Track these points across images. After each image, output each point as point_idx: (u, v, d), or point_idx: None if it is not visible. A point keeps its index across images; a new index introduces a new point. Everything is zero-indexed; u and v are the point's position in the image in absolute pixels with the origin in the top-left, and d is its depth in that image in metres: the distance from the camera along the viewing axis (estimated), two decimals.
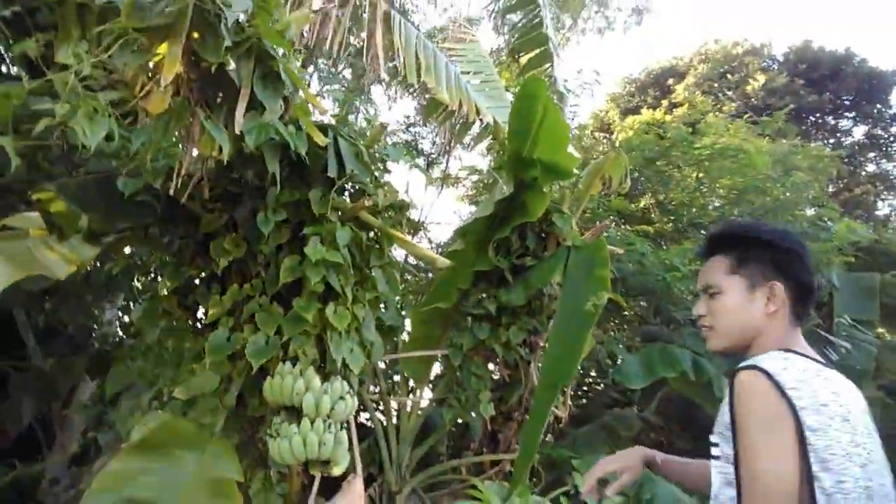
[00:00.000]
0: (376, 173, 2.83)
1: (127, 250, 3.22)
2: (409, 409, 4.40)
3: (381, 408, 4.68)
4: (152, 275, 3.29)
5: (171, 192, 2.10)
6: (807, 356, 1.35)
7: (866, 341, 5.56)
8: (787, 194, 5.91)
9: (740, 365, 1.30)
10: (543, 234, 3.77)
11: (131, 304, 4.59)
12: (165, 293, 2.74)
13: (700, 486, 1.59)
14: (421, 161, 9.87)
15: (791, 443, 1.19)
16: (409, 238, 2.65)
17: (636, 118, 11.11)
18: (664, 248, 5.09)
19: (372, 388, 4.65)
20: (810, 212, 6.50)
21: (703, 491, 1.49)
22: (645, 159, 6.30)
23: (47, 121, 1.49)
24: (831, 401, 1.26)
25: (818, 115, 15.22)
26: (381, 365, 4.78)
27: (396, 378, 5.05)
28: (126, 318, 4.74)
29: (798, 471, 1.19)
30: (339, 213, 2.59)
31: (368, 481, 4.32)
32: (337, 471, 2.50)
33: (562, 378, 2.96)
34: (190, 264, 2.69)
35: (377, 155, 2.78)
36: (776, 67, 15.91)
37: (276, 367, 2.46)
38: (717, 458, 1.33)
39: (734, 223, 1.58)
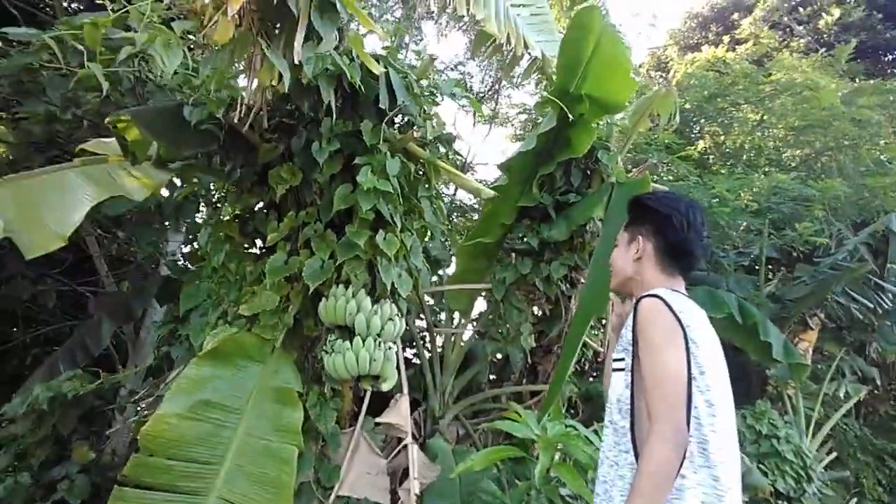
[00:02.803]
0: (425, 106, 2.89)
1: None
2: (452, 340, 4.60)
3: (426, 340, 4.90)
4: (216, 205, 3.50)
5: (235, 120, 2.23)
6: (685, 296, 1.65)
7: None
8: (850, 132, 5.63)
9: (641, 295, 1.60)
10: (588, 171, 3.78)
11: (194, 236, 4.88)
12: (228, 219, 2.93)
13: None
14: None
15: (682, 350, 1.48)
16: (455, 170, 2.73)
17: (696, 56, 10.61)
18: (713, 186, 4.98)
19: (418, 322, 4.87)
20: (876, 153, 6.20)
21: None
22: (704, 97, 6.08)
23: (129, 49, 1.62)
24: (704, 326, 1.58)
25: (895, 52, 14.10)
26: (428, 300, 4.98)
27: (442, 315, 5.25)
28: (186, 249, 5.05)
29: (686, 371, 1.46)
30: (390, 144, 2.68)
31: (413, 406, 4.60)
32: (386, 386, 2.70)
33: (596, 309, 3.04)
34: (250, 192, 2.86)
35: (427, 87, 2.84)
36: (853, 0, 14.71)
37: (331, 290, 2.64)
38: (621, 369, 1.60)
39: (643, 194, 1.91)
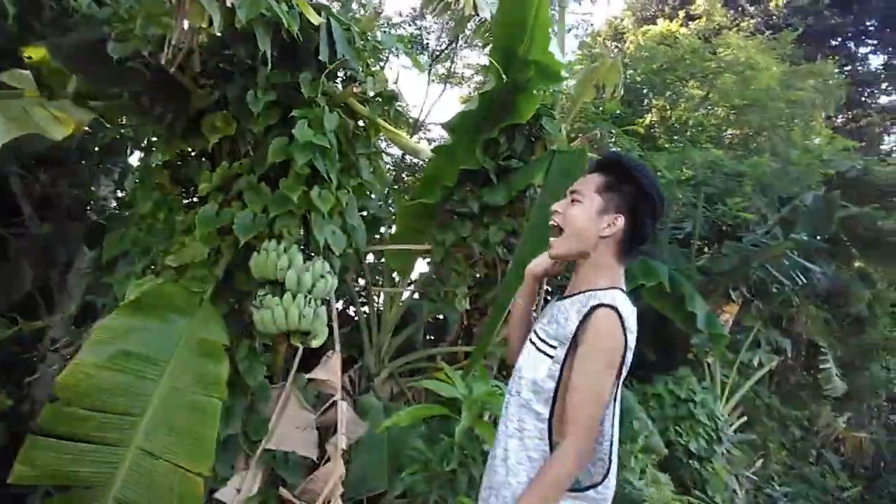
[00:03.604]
0: (369, 61, 2.83)
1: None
2: (391, 300, 4.63)
3: (364, 298, 4.90)
4: (148, 150, 3.35)
5: (162, 61, 2.12)
6: (625, 292, 1.59)
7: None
8: (784, 113, 5.88)
9: (600, 301, 1.50)
10: (532, 138, 3.80)
11: (126, 179, 4.67)
12: (158, 166, 2.82)
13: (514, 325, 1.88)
14: (424, 57, 9.57)
15: (616, 374, 1.51)
16: (395, 128, 2.70)
17: (650, 28, 10.72)
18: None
19: (359, 281, 4.86)
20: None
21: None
22: (652, 70, 6.18)
23: None
24: (634, 339, 1.55)
25: (839, 38, 14.65)
26: (369, 259, 4.96)
27: (383, 275, 5.25)
28: (120, 193, 4.83)
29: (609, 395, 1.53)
30: (329, 98, 2.62)
31: (349, 363, 4.63)
32: (316, 343, 2.71)
33: None
34: (182, 139, 2.75)
35: (370, 41, 2.77)
36: None
37: (263, 244, 2.60)
38: (549, 355, 1.57)
39: (627, 157, 1.73)
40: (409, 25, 9.55)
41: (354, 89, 2.58)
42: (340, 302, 5.50)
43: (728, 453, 5.91)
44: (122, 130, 3.55)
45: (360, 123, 2.84)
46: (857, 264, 7.90)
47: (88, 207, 4.81)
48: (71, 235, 4.56)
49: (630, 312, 1.54)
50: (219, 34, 2.15)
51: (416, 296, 4.69)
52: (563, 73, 3.19)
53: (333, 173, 2.63)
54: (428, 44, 9.50)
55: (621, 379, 1.55)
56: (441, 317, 5.23)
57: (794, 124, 6.37)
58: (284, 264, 2.54)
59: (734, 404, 6.62)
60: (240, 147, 2.74)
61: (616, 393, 1.56)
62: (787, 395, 7.97)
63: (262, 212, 2.59)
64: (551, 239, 1.68)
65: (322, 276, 2.62)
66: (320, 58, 2.52)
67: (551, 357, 1.56)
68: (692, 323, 5.22)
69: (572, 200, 1.64)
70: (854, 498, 7.34)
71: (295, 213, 2.60)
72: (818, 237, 6.29)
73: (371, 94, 2.65)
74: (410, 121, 7.78)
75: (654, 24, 11.32)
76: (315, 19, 2.32)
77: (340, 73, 2.90)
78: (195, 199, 2.78)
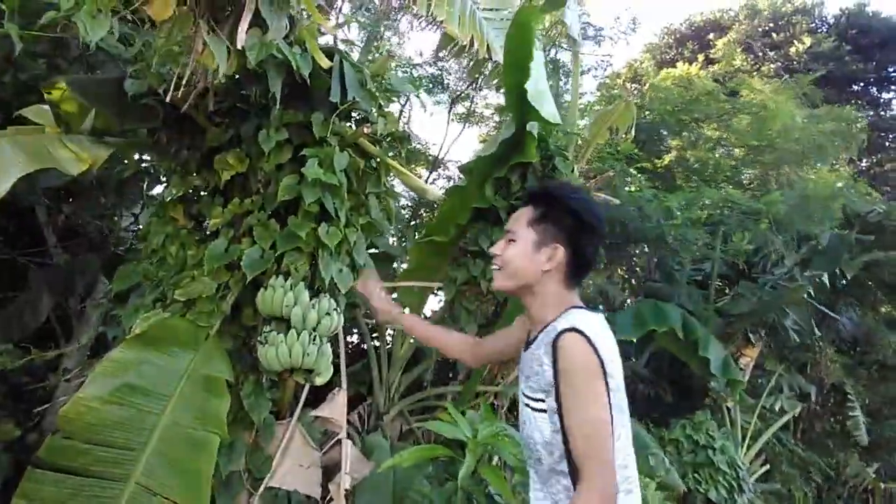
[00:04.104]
0: (381, 102, 2.88)
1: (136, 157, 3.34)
2: (402, 336, 4.60)
3: (375, 334, 4.88)
4: (164, 184, 3.43)
5: (176, 99, 2.18)
6: (589, 312, 1.55)
7: None
8: (806, 152, 5.84)
9: (560, 329, 1.46)
10: (546, 178, 3.81)
11: (144, 212, 4.77)
12: (171, 200, 2.87)
13: (431, 344, 2.05)
14: (445, 97, 9.75)
15: (605, 395, 1.41)
16: (405, 169, 2.72)
17: (669, 72, 10.82)
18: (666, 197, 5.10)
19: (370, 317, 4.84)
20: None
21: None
22: (667, 112, 6.21)
23: (52, 14, 1.57)
24: (613, 349, 1.50)
25: (861, 84, 14.61)
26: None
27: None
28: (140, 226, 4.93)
29: (610, 418, 1.41)
30: (339, 137, 2.66)
31: (359, 400, 4.59)
32: (320, 380, 2.68)
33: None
34: (196, 174, 2.80)
35: (383, 84, 2.82)
36: (825, 30, 15.17)
37: (269, 280, 2.61)
38: (542, 410, 1.49)
39: (554, 184, 1.74)
40: (430, 66, 9.79)
41: (365, 130, 2.62)
42: (355, 336, 5.49)
43: (750, 503, 5.67)
44: (143, 164, 3.64)
45: (371, 163, 2.87)
46: (883, 309, 7.69)
47: (109, 239, 4.91)
48: (90, 266, 4.64)
49: (594, 322, 1.49)
50: (233, 75, 2.21)
51: None
52: (578, 117, 3.20)
53: (342, 211, 2.65)
54: (448, 84, 9.70)
55: (620, 392, 1.47)
56: None
57: (815, 167, 6.32)
58: (290, 301, 2.54)
59: (756, 451, 6.39)
60: (251, 185, 2.78)
61: (619, 408, 1.47)
62: (813, 442, 7.68)
63: (271, 248, 2.61)
64: (494, 272, 1.67)
65: (328, 314, 2.61)
66: (331, 98, 2.57)
67: (545, 411, 1.49)
68: (707, 367, 5.10)
69: (508, 240, 1.62)
70: None
71: (303, 250, 2.61)
72: (841, 281, 6.15)
73: (381, 133, 2.67)
74: (430, 158, 7.88)
75: (674, 67, 11.44)
76: (325, 63, 2.37)
77: (355, 114, 2.96)
78: (207, 234, 2.81)
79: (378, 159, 2.83)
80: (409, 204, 6.31)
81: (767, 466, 6.61)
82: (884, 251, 6.22)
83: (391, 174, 2.88)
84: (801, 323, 5.78)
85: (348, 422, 4.32)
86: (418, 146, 7.75)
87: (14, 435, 3.43)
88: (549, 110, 3.02)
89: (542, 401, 1.49)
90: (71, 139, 2.36)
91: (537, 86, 2.91)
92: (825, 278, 5.92)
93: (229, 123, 2.73)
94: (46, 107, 2.47)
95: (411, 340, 4.53)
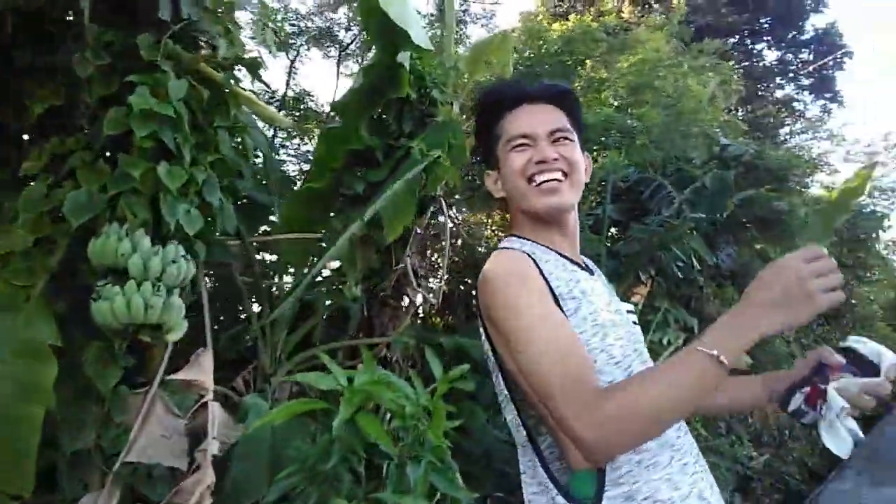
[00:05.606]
0: (227, 24, 2.56)
1: None
2: (285, 295, 4.33)
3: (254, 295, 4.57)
4: None
5: None
6: None
7: None
8: (684, 100, 6.03)
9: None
10: (426, 118, 3.64)
11: None
12: None
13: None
14: (333, 50, 9.35)
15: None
16: (255, 98, 2.44)
17: (563, 24, 10.88)
18: None
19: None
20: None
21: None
22: (547, 53, 6.18)
23: None
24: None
25: (737, 36, 15.46)
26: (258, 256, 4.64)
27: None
28: None
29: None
30: (174, 63, 2.33)
31: (243, 364, 4.30)
32: (172, 337, 2.41)
33: None
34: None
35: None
36: None
37: (103, 228, 2.28)
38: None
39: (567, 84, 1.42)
40: (317, 17, 9.27)
41: (202, 53, 2.31)
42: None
43: None
44: None
45: (221, 95, 2.56)
46: (757, 246, 8.27)
47: None
48: None
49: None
50: None
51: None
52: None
53: (186, 148, 2.34)
54: (338, 36, 9.26)
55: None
56: (341, 310, 4.98)
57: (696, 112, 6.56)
58: (127, 249, 2.23)
59: None
60: (74, 121, 2.40)
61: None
62: None
63: (101, 191, 2.27)
64: (556, 184, 1.22)
65: (174, 261, 2.32)
66: (161, 16, 2.23)
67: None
68: None
69: (562, 139, 1.25)
70: (762, 465, 7.64)
71: (140, 191, 2.29)
72: (720, 217, 6.50)
73: (222, 57, 2.37)
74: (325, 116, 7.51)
75: (567, 20, 11.53)
76: None
77: (201, 41, 2.62)
78: (21, 180, 2.41)
79: (227, 90, 2.52)
80: (295, 158, 5.95)
81: None
82: (755, 189, 6.63)
83: (244, 106, 2.58)
84: (686, 260, 6.06)
85: (233, 388, 4.05)
86: (311, 104, 7.35)
87: None
88: (418, 33, 2.81)
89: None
90: None
91: (403, 7, 2.70)
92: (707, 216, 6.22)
93: (36, 44, 2.32)
94: None
95: (295, 297, 4.28)
